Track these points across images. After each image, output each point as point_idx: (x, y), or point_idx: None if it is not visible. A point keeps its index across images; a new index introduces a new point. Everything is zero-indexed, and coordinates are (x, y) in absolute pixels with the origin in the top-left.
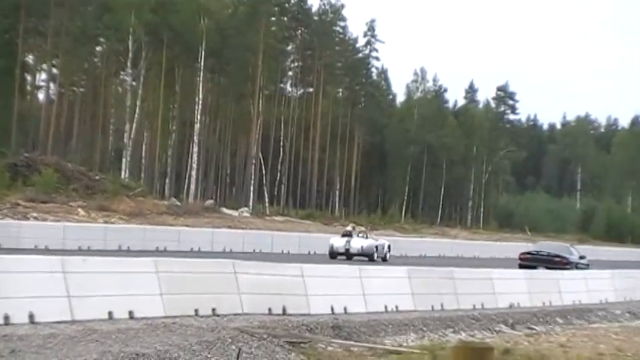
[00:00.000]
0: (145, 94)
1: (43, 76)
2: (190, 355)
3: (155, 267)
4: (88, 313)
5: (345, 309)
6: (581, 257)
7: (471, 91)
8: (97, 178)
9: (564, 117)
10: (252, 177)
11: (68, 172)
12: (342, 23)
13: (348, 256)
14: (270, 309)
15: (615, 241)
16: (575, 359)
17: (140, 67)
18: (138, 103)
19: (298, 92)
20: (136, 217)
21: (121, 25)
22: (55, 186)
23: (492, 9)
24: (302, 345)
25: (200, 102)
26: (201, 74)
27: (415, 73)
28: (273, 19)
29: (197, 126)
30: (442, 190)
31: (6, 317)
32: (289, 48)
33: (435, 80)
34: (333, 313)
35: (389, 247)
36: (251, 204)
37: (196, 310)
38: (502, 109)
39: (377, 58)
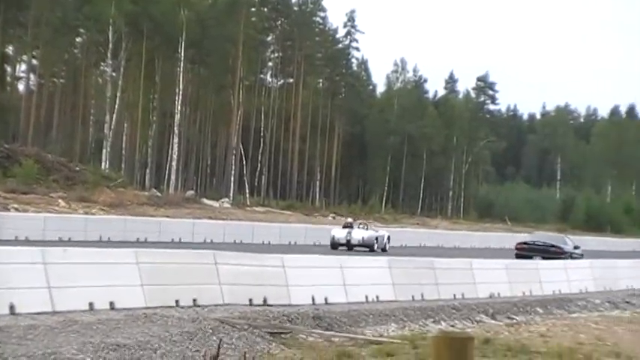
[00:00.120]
0: (125, 84)
1: (23, 67)
2: (171, 346)
3: (136, 258)
4: (68, 304)
5: (325, 299)
6: (576, 247)
7: (451, 81)
8: (78, 169)
9: (544, 107)
10: (233, 168)
11: (48, 163)
12: (322, 14)
13: (349, 246)
14: (250, 300)
15: (595, 231)
16: (556, 349)
17: (120, 58)
18: (118, 93)
19: (278, 83)
20: (117, 208)
21: (101, 16)
22: (35, 177)
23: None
24: (283, 335)
25: (180, 93)
26: (182, 65)
27: (395, 64)
28: (253, 9)
29: (177, 117)
30: (422, 180)
31: None
32: (269, 39)
33: (415, 71)
34: (313, 303)
35: (388, 238)
36: (232, 195)
37: (177, 301)
38: (482, 99)
39: (357, 49)
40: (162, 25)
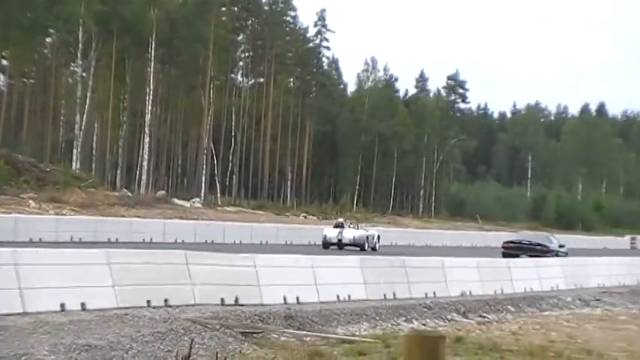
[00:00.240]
0: (96, 85)
1: None
2: (143, 346)
3: (107, 258)
4: (39, 305)
5: (297, 299)
6: (561, 246)
7: (422, 80)
8: (48, 169)
9: (514, 105)
10: (204, 167)
11: (19, 163)
12: (292, 13)
13: (340, 246)
14: (222, 299)
15: (565, 229)
16: (527, 347)
17: (90, 58)
18: (88, 94)
19: (249, 82)
20: (88, 209)
21: (70, 16)
22: (5, 178)
23: None
24: (255, 335)
25: (151, 93)
26: (152, 65)
27: (366, 63)
28: (223, 9)
29: (148, 117)
30: (394, 179)
31: None
32: (240, 38)
33: (385, 69)
34: (285, 303)
35: (378, 237)
36: (203, 195)
37: (149, 301)
38: (452, 97)
39: (328, 48)
40: (133, 25)
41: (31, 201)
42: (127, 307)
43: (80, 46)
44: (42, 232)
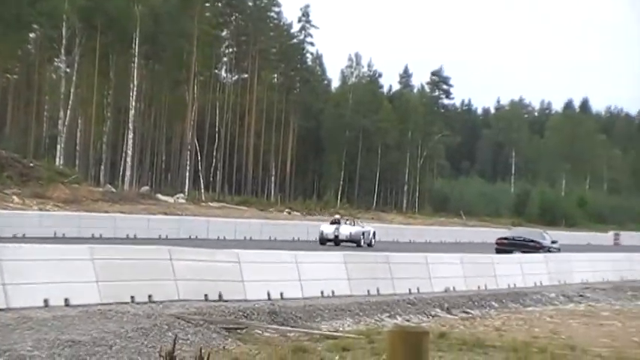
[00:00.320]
0: (79, 80)
1: None
2: (126, 342)
3: (90, 254)
4: (23, 301)
5: (281, 294)
6: (553, 242)
7: (406, 75)
8: (32, 165)
9: (498, 101)
10: (188, 163)
11: (2, 159)
12: (276, 9)
13: (337, 242)
14: (206, 295)
15: (549, 225)
16: (511, 343)
17: (74, 54)
18: (72, 89)
19: (233, 78)
20: (71, 204)
21: (54, 11)
22: None
23: None
24: (239, 331)
25: (135, 88)
26: (136, 60)
27: (350, 59)
28: (207, 4)
29: (132, 112)
30: (377, 174)
31: None
32: (224, 34)
33: (369, 65)
34: (269, 298)
35: (374, 233)
36: (187, 190)
37: (132, 297)
38: (436, 93)
39: (312, 44)
40: (116, 20)
41: (14, 196)
42: (111, 303)
43: (64, 41)
44: (25, 227)
